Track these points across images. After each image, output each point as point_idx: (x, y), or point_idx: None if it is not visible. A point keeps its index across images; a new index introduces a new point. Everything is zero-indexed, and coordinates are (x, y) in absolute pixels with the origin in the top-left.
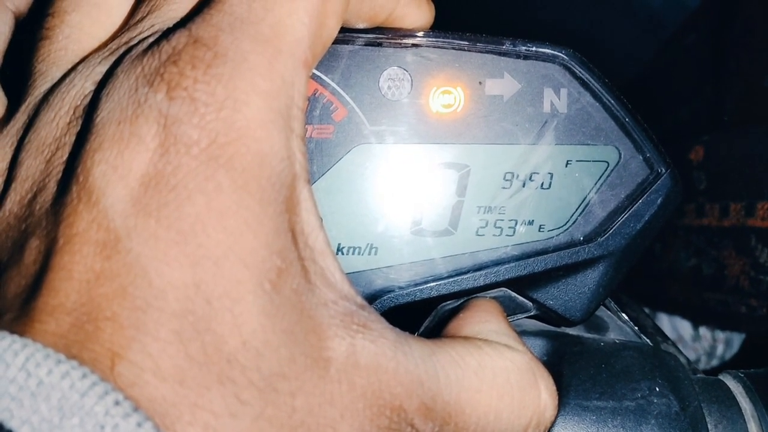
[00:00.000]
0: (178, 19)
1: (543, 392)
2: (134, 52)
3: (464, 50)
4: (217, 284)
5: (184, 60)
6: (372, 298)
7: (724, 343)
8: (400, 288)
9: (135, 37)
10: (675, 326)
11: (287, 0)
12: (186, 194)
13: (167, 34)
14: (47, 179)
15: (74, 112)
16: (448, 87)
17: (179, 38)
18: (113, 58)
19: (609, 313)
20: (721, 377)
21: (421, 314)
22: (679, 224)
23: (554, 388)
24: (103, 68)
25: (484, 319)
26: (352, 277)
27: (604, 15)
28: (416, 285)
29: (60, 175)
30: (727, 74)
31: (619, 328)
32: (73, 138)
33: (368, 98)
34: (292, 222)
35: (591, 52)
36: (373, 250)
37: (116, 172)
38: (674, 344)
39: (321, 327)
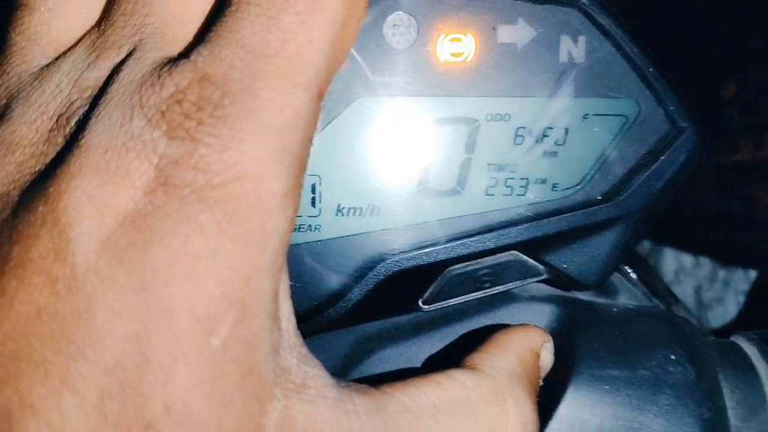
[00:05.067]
0: (171, 17)
1: (511, 418)
2: (132, 71)
3: None
4: (160, 338)
5: (189, 100)
6: (373, 262)
7: (726, 269)
8: (404, 251)
9: (129, 34)
10: (677, 257)
11: (305, 29)
12: (160, 236)
13: (170, 63)
14: (13, 186)
15: (58, 121)
16: (458, 34)
17: (184, 73)
18: (105, 65)
19: (619, 275)
20: (733, 339)
21: (427, 280)
22: (709, 164)
23: (531, 408)
24: (93, 74)
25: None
26: (353, 240)
27: None
28: (421, 248)
29: (28, 186)
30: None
31: (629, 290)
32: (54, 149)
33: (371, 46)
34: (262, 263)
35: None
36: (376, 211)
37: (91, 203)
38: (685, 307)
39: (265, 387)
